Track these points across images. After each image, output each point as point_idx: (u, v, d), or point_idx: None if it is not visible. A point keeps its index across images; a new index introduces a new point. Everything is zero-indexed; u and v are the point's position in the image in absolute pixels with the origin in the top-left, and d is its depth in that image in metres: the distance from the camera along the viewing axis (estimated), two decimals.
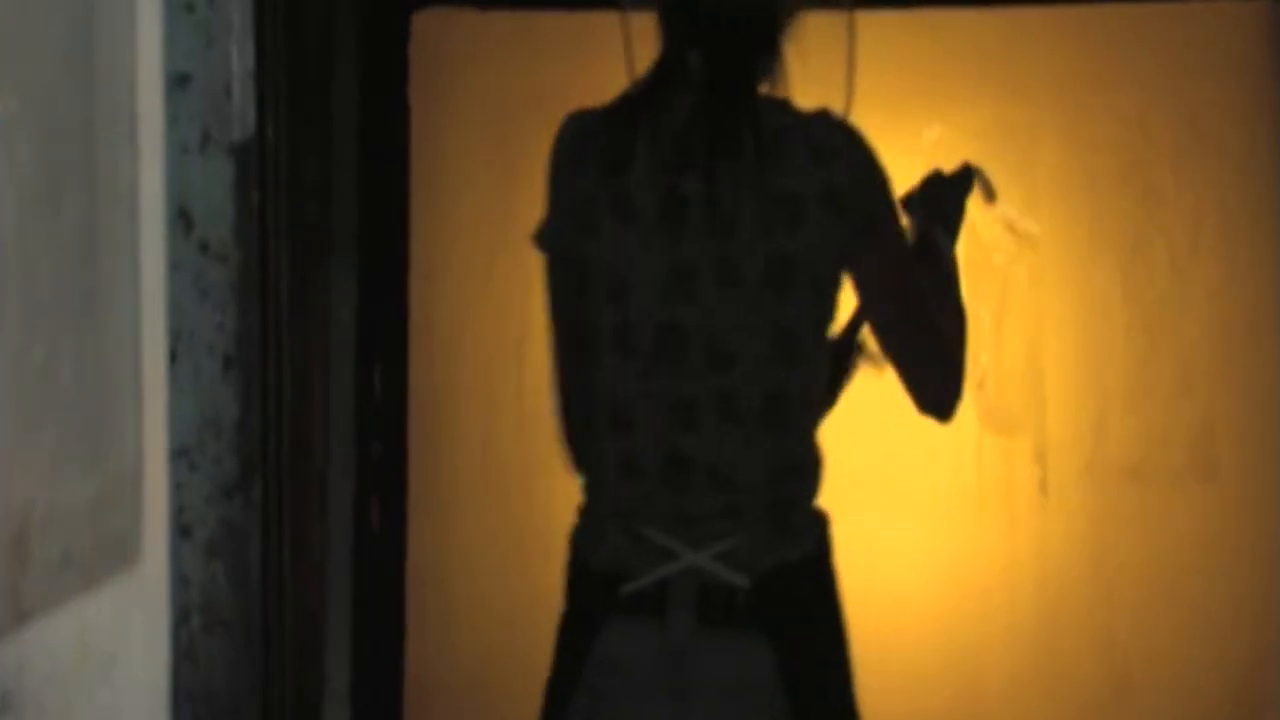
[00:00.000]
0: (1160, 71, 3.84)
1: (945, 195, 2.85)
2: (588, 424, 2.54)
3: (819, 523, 2.52)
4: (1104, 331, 3.87)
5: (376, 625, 3.77)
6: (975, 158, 3.55)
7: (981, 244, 3.78)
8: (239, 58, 1.85)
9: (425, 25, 3.82)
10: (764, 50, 2.49)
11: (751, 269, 2.42)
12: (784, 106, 2.48)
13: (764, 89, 2.50)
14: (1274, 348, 3.81)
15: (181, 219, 1.84)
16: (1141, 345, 3.88)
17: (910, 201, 2.81)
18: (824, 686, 2.51)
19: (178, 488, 1.85)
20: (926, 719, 3.88)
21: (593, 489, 2.54)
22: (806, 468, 2.50)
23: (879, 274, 2.51)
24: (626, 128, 2.46)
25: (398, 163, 3.81)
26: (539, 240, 2.54)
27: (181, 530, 1.85)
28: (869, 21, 3.77)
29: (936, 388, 2.65)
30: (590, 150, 2.47)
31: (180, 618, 1.86)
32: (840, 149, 2.44)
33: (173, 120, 1.83)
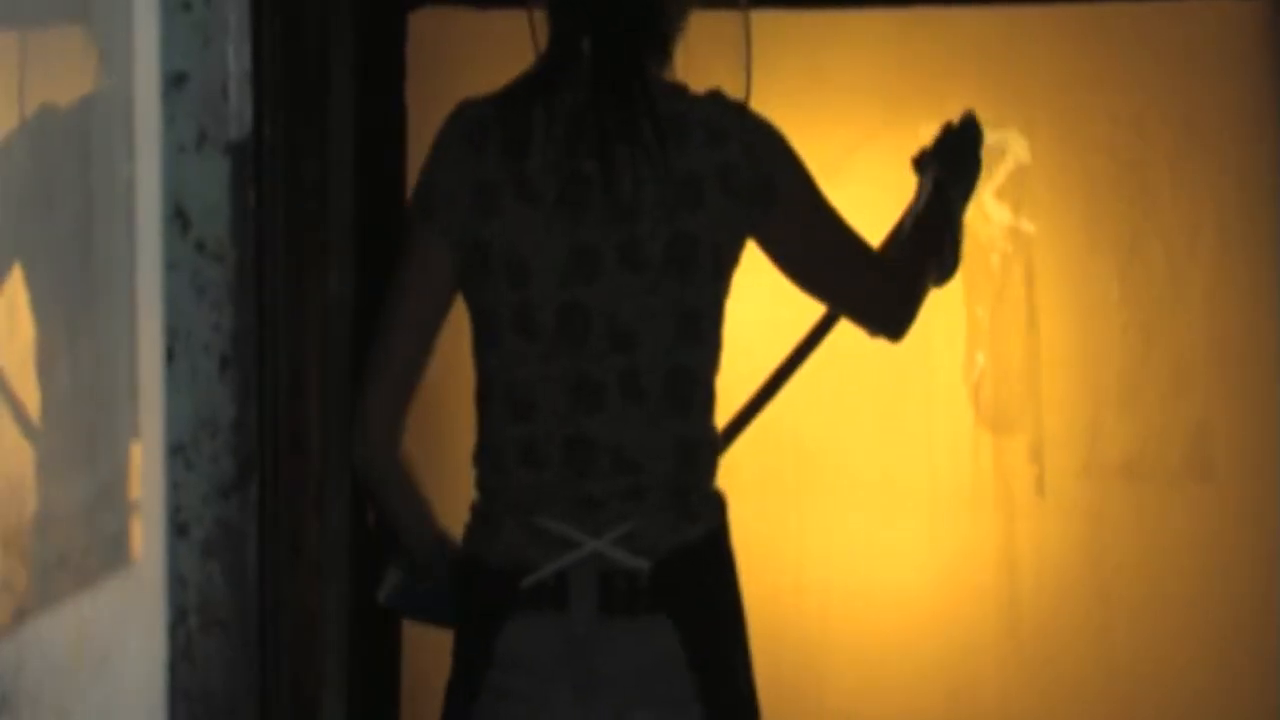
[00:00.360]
0: (1157, 71, 3.83)
1: (960, 149, 2.88)
2: (482, 413, 2.54)
3: (717, 503, 2.54)
4: (1100, 331, 3.86)
5: (374, 625, 3.76)
6: None
7: (978, 244, 3.77)
8: (236, 57, 1.85)
9: (423, 24, 3.82)
10: (650, 40, 2.52)
11: (653, 250, 2.44)
12: (680, 92, 2.51)
13: (655, 72, 2.52)
14: (1271, 347, 3.81)
15: (178, 218, 1.84)
16: (1138, 345, 3.87)
17: (922, 161, 2.83)
18: (728, 664, 2.52)
19: (174, 487, 1.85)
20: (923, 719, 3.88)
21: (488, 480, 2.54)
22: (705, 448, 2.52)
23: (786, 243, 2.55)
24: (523, 111, 2.48)
25: (395, 162, 3.81)
26: (423, 206, 2.52)
27: (178, 530, 1.85)
28: (866, 19, 3.78)
29: (879, 321, 2.71)
30: (488, 136, 2.49)
31: (177, 617, 1.86)
32: (732, 130, 2.47)
33: (169, 119, 1.83)
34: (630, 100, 2.45)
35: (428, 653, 3.88)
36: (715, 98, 2.50)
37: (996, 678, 3.89)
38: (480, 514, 2.54)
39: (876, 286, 2.67)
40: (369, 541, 3.76)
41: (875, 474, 3.77)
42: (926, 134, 3.28)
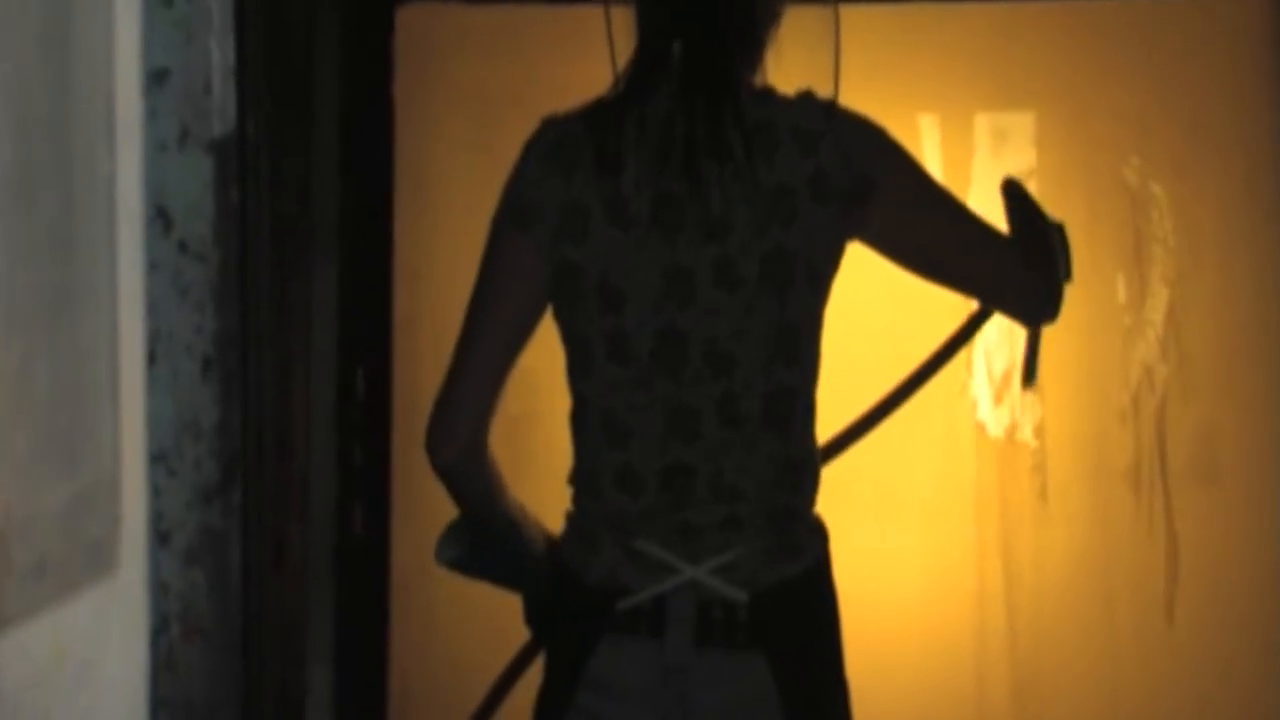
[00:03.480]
0: (1162, 69, 3.82)
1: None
2: (578, 436, 2.49)
3: (819, 536, 2.48)
4: (1104, 334, 3.84)
5: (359, 632, 3.74)
6: (972, 156, 3.52)
7: None
8: (219, 53, 1.82)
9: (410, 19, 3.79)
10: (746, 40, 2.46)
11: (747, 269, 2.38)
12: (768, 96, 2.44)
13: (745, 76, 2.47)
14: (1276, 348, 3.79)
15: (160, 218, 1.81)
16: (1142, 348, 3.85)
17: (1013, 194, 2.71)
18: (822, 706, 2.47)
19: (156, 492, 1.82)
20: None
21: (585, 501, 2.48)
22: (806, 468, 2.46)
23: (893, 238, 2.47)
24: (614, 129, 2.42)
25: (381, 159, 3.78)
26: (517, 218, 2.47)
27: (160, 536, 1.82)
28: (867, 15, 3.75)
29: (1022, 303, 2.61)
30: (576, 155, 2.43)
31: (159, 625, 1.83)
32: (822, 132, 2.40)
33: (151, 116, 1.80)
34: (719, 112, 2.37)
35: (414, 660, 3.86)
36: (804, 100, 2.41)
37: (999, 685, 3.87)
38: (578, 528, 2.48)
39: (1009, 268, 2.56)
40: (353, 546, 3.74)
41: (876, 480, 3.76)
42: (928, 130, 3.27)
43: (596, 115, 2.44)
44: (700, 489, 2.41)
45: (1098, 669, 3.85)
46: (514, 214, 2.45)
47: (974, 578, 3.84)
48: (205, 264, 1.81)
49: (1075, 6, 3.78)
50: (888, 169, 2.43)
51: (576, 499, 2.50)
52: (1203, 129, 3.78)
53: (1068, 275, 2.67)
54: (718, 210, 2.37)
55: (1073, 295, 3.63)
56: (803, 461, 2.45)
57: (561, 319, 2.46)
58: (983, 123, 3.76)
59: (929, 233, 2.50)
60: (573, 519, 2.50)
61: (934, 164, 3.66)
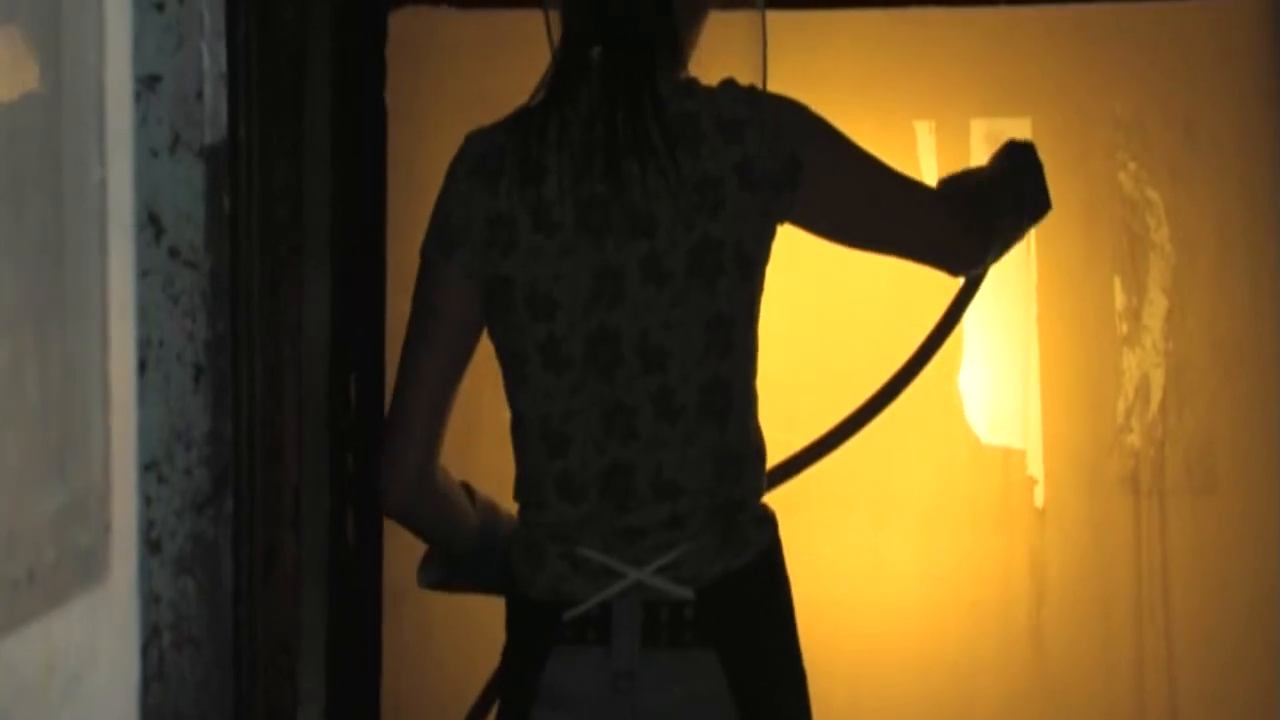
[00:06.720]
0: (1158, 74, 3.81)
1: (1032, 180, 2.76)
2: (518, 449, 2.49)
3: (766, 525, 2.47)
4: (1100, 341, 3.83)
5: (352, 642, 3.72)
6: (967, 162, 3.50)
7: None
8: (210, 58, 1.81)
9: (403, 24, 3.78)
10: (664, 47, 2.47)
11: (675, 262, 2.38)
12: (690, 89, 2.45)
13: (667, 74, 2.47)
14: (1273, 356, 3.78)
15: (151, 224, 1.80)
16: (1139, 355, 3.84)
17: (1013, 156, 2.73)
18: (776, 697, 2.46)
19: (147, 501, 1.80)
20: None
21: (529, 514, 2.48)
22: (749, 459, 2.45)
23: (826, 214, 2.48)
24: (535, 135, 2.42)
25: (374, 165, 3.77)
26: (443, 241, 2.47)
27: (151, 545, 1.81)
28: (862, 20, 3.75)
29: (946, 257, 2.61)
30: (500, 166, 2.43)
31: (149, 636, 1.81)
32: (746, 118, 2.40)
33: (141, 122, 1.79)
34: (639, 110, 2.38)
35: (407, 670, 3.84)
36: (726, 88, 2.43)
37: (994, 693, 3.86)
38: (524, 546, 2.48)
39: (940, 224, 2.57)
40: (346, 556, 3.72)
41: (873, 488, 3.75)
42: (923, 137, 3.24)
43: (519, 124, 2.45)
44: (640, 488, 2.40)
45: (1094, 677, 3.84)
46: (440, 237, 2.46)
47: (970, 586, 3.83)
48: (197, 271, 1.80)
49: (1071, 11, 3.77)
50: (814, 147, 2.43)
51: (521, 512, 2.49)
52: (1199, 135, 3.77)
53: (1048, 203, 2.71)
54: (642, 207, 2.38)
55: (1068, 301, 3.63)
56: (742, 452, 2.44)
57: (495, 334, 2.46)
58: (978, 129, 3.76)
59: (858, 206, 2.50)
60: (518, 533, 2.49)
61: (929, 170, 3.65)
